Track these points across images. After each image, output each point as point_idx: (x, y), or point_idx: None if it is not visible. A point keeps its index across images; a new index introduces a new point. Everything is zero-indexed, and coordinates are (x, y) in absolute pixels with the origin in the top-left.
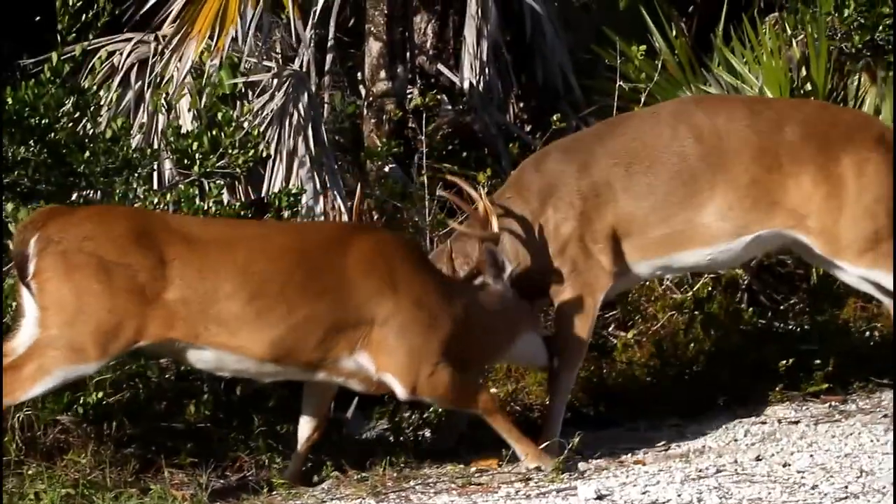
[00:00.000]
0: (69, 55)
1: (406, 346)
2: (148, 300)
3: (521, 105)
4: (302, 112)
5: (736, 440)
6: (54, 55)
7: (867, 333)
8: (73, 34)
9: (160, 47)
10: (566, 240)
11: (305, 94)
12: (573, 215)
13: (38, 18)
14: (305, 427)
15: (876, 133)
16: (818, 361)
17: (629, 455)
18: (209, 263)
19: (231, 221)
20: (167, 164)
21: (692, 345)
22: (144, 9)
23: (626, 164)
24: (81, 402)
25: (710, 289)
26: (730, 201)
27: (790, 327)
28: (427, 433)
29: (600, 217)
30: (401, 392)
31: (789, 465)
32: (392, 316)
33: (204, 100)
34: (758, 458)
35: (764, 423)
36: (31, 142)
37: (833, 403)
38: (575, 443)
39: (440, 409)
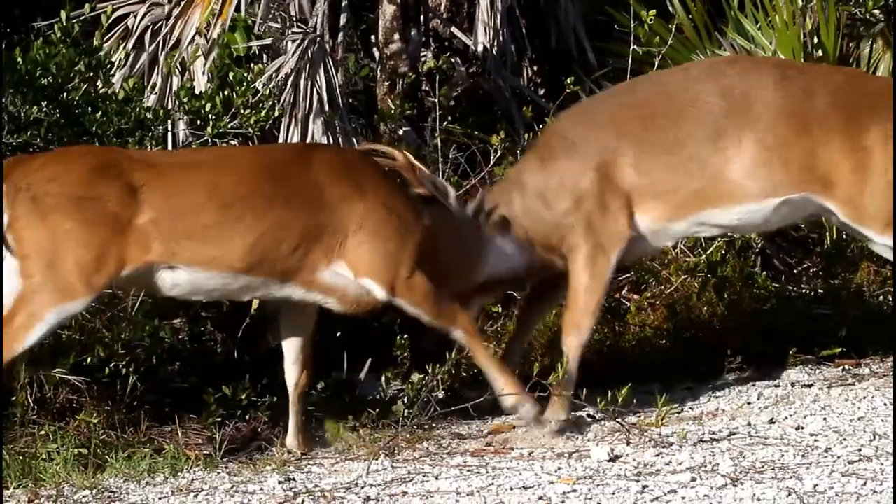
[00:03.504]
0: (79, 15)
1: (381, 247)
2: (122, 227)
3: (535, 68)
4: (317, 74)
5: (749, 403)
6: (63, 14)
7: (881, 297)
8: None
9: (175, 10)
10: (582, 194)
11: (320, 57)
12: (592, 167)
13: None
14: (291, 371)
15: None
16: (832, 325)
17: (642, 417)
18: (175, 183)
19: (194, 149)
20: (181, 125)
21: (705, 308)
22: None
23: (650, 116)
24: (88, 362)
25: (723, 252)
26: (757, 160)
27: (803, 291)
28: (440, 394)
29: (620, 173)
30: (380, 293)
31: (802, 427)
32: (364, 220)
33: (209, 62)
34: (771, 421)
35: (777, 386)
36: (44, 102)
37: (846, 367)
38: (583, 396)
39: (451, 369)
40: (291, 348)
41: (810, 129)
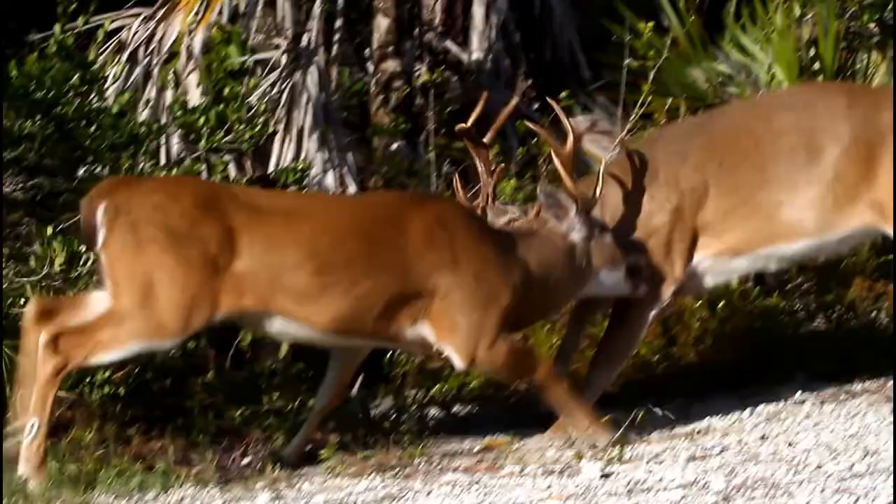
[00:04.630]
0: (72, 28)
1: (466, 320)
2: (219, 272)
3: (529, 82)
4: (311, 88)
5: (741, 419)
6: (57, 27)
7: (873, 314)
8: (74, 5)
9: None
10: (652, 231)
11: (315, 71)
12: (669, 208)
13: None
14: (324, 395)
15: None
16: (825, 341)
17: (634, 433)
18: (275, 234)
19: (297, 194)
20: (174, 140)
21: (698, 324)
22: None
23: (722, 156)
24: (89, 380)
25: None
26: (816, 198)
27: (797, 307)
28: (432, 411)
29: (691, 214)
30: (459, 364)
31: (794, 444)
32: (453, 289)
33: (202, 75)
34: (763, 438)
35: (769, 402)
36: (38, 116)
37: (839, 383)
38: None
39: (444, 388)
40: (337, 372)
41: (870, 154)
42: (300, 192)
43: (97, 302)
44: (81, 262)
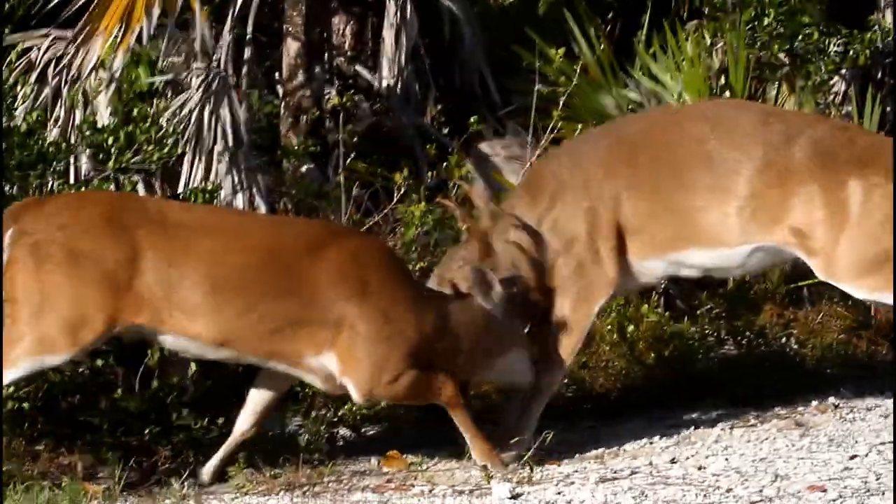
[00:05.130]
0: None
1: (370, 356)
2: (118, 289)
3: (439, 107)
4: (220, 111)
5: (651, 443)
6: None
7: (783, 339)
8: None
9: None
10: (572, 237)
11: (223, 92)
12: (582, 211)
13: None
14: (244, 421)
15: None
16: (735, 366)
17: (544, 455)
18: (179, 250)
19: (212, 208)
20: (83, 160)
21: (608, 348)
22: (53, 2)
23: (632, 158)
24: None
25: None
26: (729, 209)
27: (707, 332)
28: (342, 430)
29: (608, 214)
30: (357, 397)
31: (704, 468)
32: (358, 325)
33: (111, 96)
34: (672, 461)
35: (679, 426)
36: None
37: (749, 408)
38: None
39: (354, 408)
40: (258, 399)
41: (786, 178)
42: (216, 207)
43: None
44: None
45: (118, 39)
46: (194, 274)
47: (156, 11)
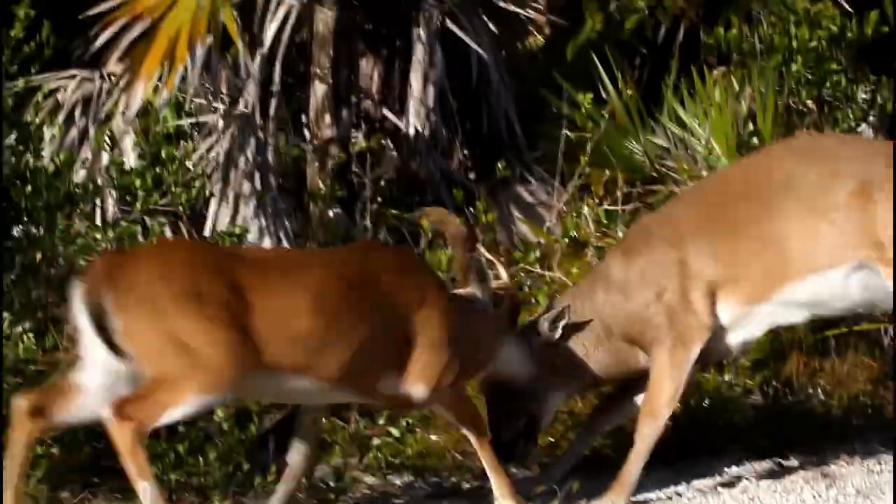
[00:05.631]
0: (11, 89)
1: (436, 358)
2: (239, 326)
3: (466, 152)
4: (247, 154)
5: (677, 493)
6: None
7: (810, 389)
8: (16, 66)
9: (105, 85)
10: (663, 287)
11: (251, 136)
12: (672, 261)
13: None
14: (299, 454)
15: None
16: (762, 417)
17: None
18: (281, 287)
19: (278, 249)
20: (110, 202)
21: None
22: (94, 46)
23: (717, 204)
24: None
25: None
26: (816, 231)
27: (733, 382)
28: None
29: (697, 262)
30: (420, 395)
31: None
32: (423, 333)
33: (138, 138)
34: None
35: (705, 476)
36: None
37: (775, 459)
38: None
39: (378, 455)
40: (305, 433)
41: (869, 192)
42: (280, 248)
43: (85, 380)
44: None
45: (163, 80)
46: (301, 307)
47: (200, 51)
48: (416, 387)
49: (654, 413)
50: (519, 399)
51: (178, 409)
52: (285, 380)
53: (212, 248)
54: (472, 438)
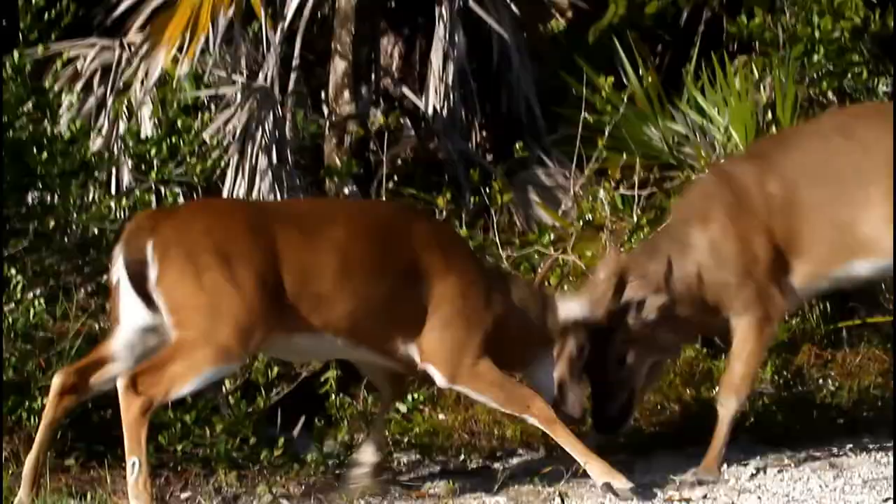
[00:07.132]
0: (31, 55)
1: (449, 336)
2: (270, 289)
3: (484, 133)
4: (265, 128)
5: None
6: (16, 52)
7: (820, 380)
8: (35, 34)
9: (125, 54)
10: (751, 259)
11: (270, 111)
12: (760, 231)
13: (3, 22)
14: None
15: None
16: (770, 405)
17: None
18: (312, 242)
19: (320, 200)
20: (125, 171)
21: None
22: (114, 14)
23: (797, 178)
24: (26, 406)
25: None
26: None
27: None
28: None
29: (781, 234)
30: (440, 380)
31: None
32: (440, 305)
33: (168, 107)
34: (705, 497)
35: None
36: None
37: (784, 448)
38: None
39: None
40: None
41: None
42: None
43: (118, 345)
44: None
45: (185, 49)
46: (327, 262)
47: (220, 22)
48: (431, 368)
49: (738, 388)
50: (620, 374)
51: (190, 384)
52: (303, 337)
53: (253, 207)
54: (537, 423)
